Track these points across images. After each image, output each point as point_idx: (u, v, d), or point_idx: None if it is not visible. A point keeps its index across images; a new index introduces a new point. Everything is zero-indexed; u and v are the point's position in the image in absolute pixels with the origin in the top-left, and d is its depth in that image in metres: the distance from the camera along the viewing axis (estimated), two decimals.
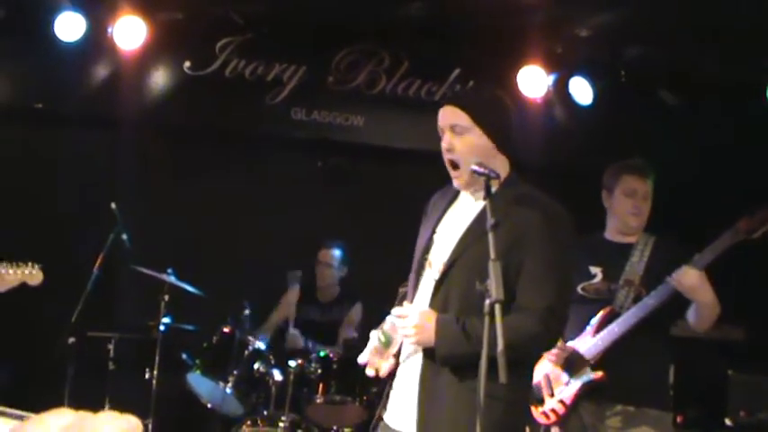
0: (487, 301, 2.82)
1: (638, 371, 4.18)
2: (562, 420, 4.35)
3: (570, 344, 4.32)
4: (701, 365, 6.26)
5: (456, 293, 3.20)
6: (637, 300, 4.17)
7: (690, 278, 4.04)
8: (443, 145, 3.32)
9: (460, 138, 3.27)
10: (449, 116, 3.30)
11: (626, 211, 4.35)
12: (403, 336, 3.28)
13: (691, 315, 4.18)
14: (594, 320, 4.27)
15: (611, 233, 4.44)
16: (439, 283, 3.27)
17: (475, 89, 3.32)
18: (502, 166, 3.29)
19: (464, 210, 3.37)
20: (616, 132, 7.01)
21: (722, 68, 6.67)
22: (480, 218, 3.20)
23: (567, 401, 4.31)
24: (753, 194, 6.41)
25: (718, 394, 6.07)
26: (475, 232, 3.20)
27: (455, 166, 3.32)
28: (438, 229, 3.40)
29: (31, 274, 4.69)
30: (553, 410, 4.36)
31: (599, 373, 4.22)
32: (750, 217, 3.97)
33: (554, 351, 4.34)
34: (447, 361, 3.17)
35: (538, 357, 3.21)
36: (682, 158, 6.62)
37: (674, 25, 6.12)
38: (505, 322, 2.82)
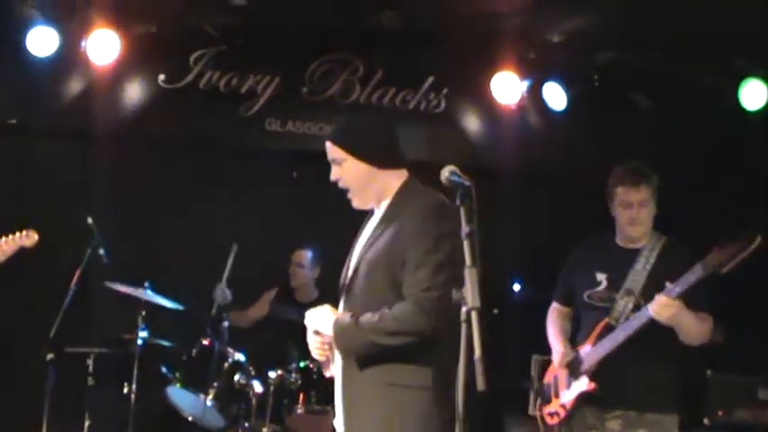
0: (464, 309, 2.83)
1: (637, 376, 4.22)
2: (564, 422, 4.39)
3: (579, 349, 4.41)
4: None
5: (359, 297, 3.43)
6: (636, 309, 4.19)
7: (664, 309, 4.07)
8: (331, 177, 3.61)
9: (341, 168, 3.55)
10: (329, 152, 3.59)
11: (624, 222, 4.38)
12: (313, 347, 3.60)
13: (679, 332, 4.18)
14: (595, 331, 4.33)
15: (619, 239, 4.45)
16: (346, 292, 3.53)
17: (347, 120, 3.54)
18: (387, 180, 3.53)
19: (370, 224, 3.61)
20: (590, 137, 7.06)
21: (695, 71, 6.72)
22: (379, 224, 3.49)
23: (567, 405, 4.37)
24: (727, 197, 6.52)
25: (697, 394, 6.10)
26: (373, 236, 3.47)
27: (347, 191, 3.62)
28: (353, 250, 3.63)
29: (27, 237, 4.67)
30: (557, 412, 4.43)
31: (591, 385, 4.28)
32: (720, 250, 3.93)
33: (562, 353, 4.46)
34: (349, 354, 3.38)
35: (430, 341, 3.25)
36: (656, 162, 6.65)
37: (645, 29, 6.17)
38: (389, 313, 3.21)
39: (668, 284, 4.08)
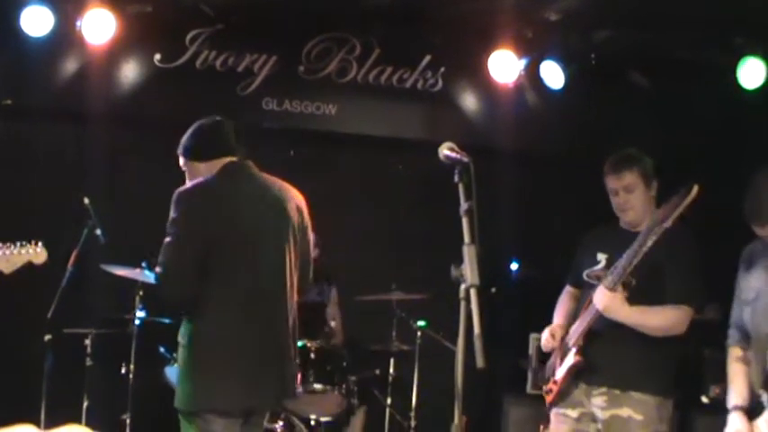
0: (462, 286, 2.83)
1: (623, 353, 4.23)
2: (558, 399, 4.41)
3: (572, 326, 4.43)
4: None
5: None
6: (625, 287, 4.17)
7: (600, 299, 4.14)
8: None
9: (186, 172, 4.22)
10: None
11: (615, 209, 4.42)
12: None
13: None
14: (584, 306, 4.37)
15: (623, 223, 4.47)
16: None
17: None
18: (203, 170, 4.13)
19: None
20: (588, 115, 7.05)
21: (693, 49, 6.70)
22: None
23: (559, 381, 4.39)
24: (725, 175, 6.51)
25: (695, 373, 6.11)
26: None
27: None
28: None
29: (36, 253, 4.68)
30: (551, 389, 4.46)
31: (577, 358, 4.29)
32: (662, 208, 4.00)
33: (551, 329, 4.51)
34: None
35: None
36: (653, 140, 6.65)
37: (643, 7, 6.13)
38: None
39: (605, 273, 4.18)
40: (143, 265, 5.97)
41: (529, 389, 6.67)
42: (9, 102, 6.86)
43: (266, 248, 3.99)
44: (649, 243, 4.02)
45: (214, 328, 3.85)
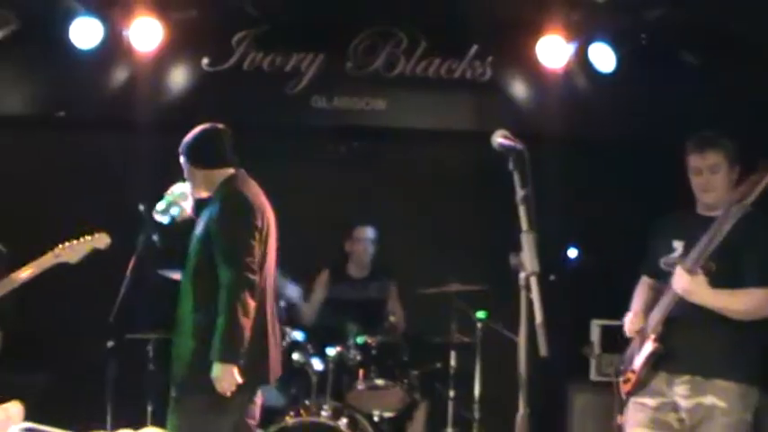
0: (522, 274, 2.80)
1: (706, 342, 4.15)
2: (636, 389, 4.34)
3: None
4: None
5: None
6: (706, 273, 4.08)
7: (679, 282, 4.06)
8: None
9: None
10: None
11: (696, 189, 4.33)
12: None
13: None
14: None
15: (699, 208, 4.38)
16: None
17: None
18: (203, 179, 4.56)
19: None
20: (640, 98, 6.94)
21: (744, 24, 6.55)
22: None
23: (638, 370, 4.32)
24: None
25: None
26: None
27: None
28: None
29: (98, 238, 4.80)
30: (628, 379, 4.38)
31: (656, 345, 4.22)
32: (743, 184, 3.94)
33: (631, 318, 4.42)
34: None
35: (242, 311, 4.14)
36: (708, 119, 6.52)
37: None
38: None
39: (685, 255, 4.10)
40: None
41: (593, 376, 6.61)
42: (62, 114, 6.95)
43: (271, 251, 4.50)
44: (729, 225, 3.95)
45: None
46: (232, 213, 4.33)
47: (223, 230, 4.31)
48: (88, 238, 4.76)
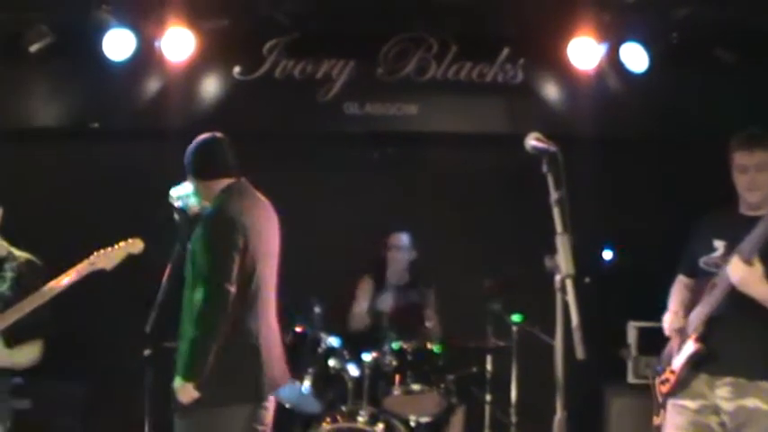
0: (557, 277, 2.79)
1: (749, 343, 4.10)
2: (675, 390, 4.30)
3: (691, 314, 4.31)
4: None
5: None
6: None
7: (736, 271, 3.98)
8: None
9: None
10: None
11: (742, 188, 4.27)
12: None
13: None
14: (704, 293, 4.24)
15: (742, 207, 4.32)
16: None
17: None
18: (204, 190, 4.60)
19: None
20: (674, 97, 6.89)
21: None
22: None
23: (677, 371, 4.28)
24: None
25: None
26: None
27: None
28: None
29: (132, 244, 4.83)
30: (667, 379, 4.34)
31: (698, 345, 4.19)
32: None
33: (671, 319, 4.38)
34: None
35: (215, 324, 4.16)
36: (745, 117, 6.47)
37: None
38: None
39: (742, 244, 4.00)
40: None
41: (630, 378, 6.56)
42: (96, 125, 7.02)
43: (266, 263, 4.50)
44: (762, 232, 3.88)
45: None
46: (212, 233, 4.35)
47: (201, 250, 4.33)
48: (122, 244, 4.79)
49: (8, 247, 4.88)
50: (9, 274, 4.77)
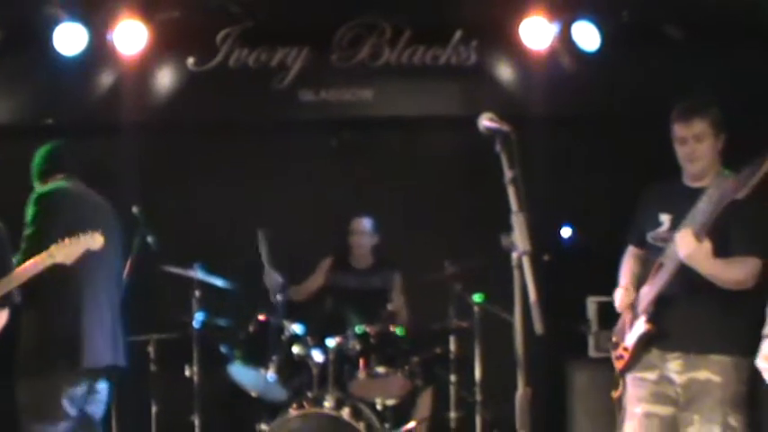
0: (514, 254, 2.82)
1: (698, 320, 4.15)
2: (630, 365, 4.35)
3: (640, 290, 4.34)
4: None
5: None
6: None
7: (683, 246, 3.96)
8: None
9: None
10: None
11: (682, 158, 4.29)
12: None
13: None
14: (652, 270, 4.27)
15: (685, 178, 4.35)
16: None
17: None
18: None
19: None
20: (626, 75, 6.94)
21: None
22: None
23: (630, 348, 4.33)
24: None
25: None
26: None
27: None
28: None
29: (92, 238, 4.75)
30: (621, 356, 4.40)
31: (648, 326, 4.23)
32: (736, 176, 3.82)
33: (622, 294, 4.40)
34: None
35: None
36: (695, 93, 6.54)
37: None
38: None
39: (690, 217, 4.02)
40: (195, 267, 6.06)
41: (591, 353, 6.64)
42: (50, 121, 6.95)
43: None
44: (719, 210, 3.87)
45: None
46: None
47: None
48: (82, 237, 4.71)
49: None
50: None
